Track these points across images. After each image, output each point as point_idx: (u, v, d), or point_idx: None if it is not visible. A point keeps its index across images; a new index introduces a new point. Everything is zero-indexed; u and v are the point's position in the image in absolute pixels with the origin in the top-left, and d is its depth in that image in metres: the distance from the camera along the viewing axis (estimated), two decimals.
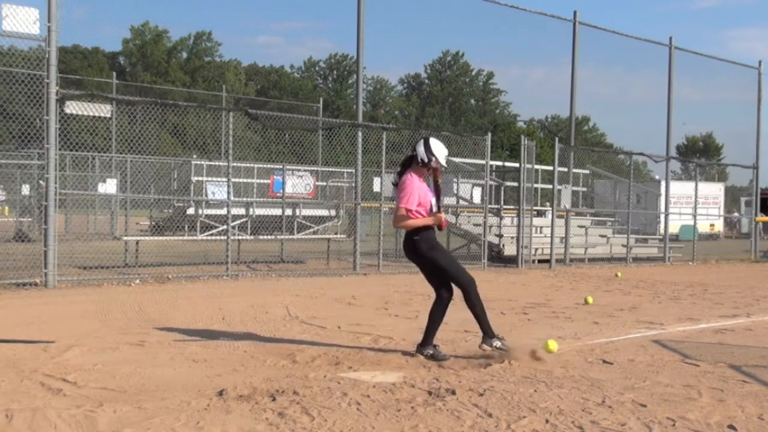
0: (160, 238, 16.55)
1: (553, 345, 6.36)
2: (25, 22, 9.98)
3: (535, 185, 18.54)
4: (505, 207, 17.61)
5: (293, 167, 19.89)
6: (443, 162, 6.15)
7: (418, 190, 6.00)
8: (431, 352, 6.07)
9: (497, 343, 6.08)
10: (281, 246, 15.82)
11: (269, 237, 16.63)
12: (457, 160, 17.77)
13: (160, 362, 5.77)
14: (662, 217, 21.15)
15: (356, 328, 7.20)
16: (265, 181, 20.10)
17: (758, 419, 4.54)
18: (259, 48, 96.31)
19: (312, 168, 20.87)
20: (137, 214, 22.11)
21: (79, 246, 14.12)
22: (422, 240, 6.03)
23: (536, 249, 17.25)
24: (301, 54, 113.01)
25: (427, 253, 6.03)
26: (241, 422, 4.25)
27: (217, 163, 20.86)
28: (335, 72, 79.47)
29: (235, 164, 15.19)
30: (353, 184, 15.00)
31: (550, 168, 18.04)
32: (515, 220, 16.91)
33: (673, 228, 21.50)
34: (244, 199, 18.30)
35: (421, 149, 6.11)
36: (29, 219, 17.36)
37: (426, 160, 6.07)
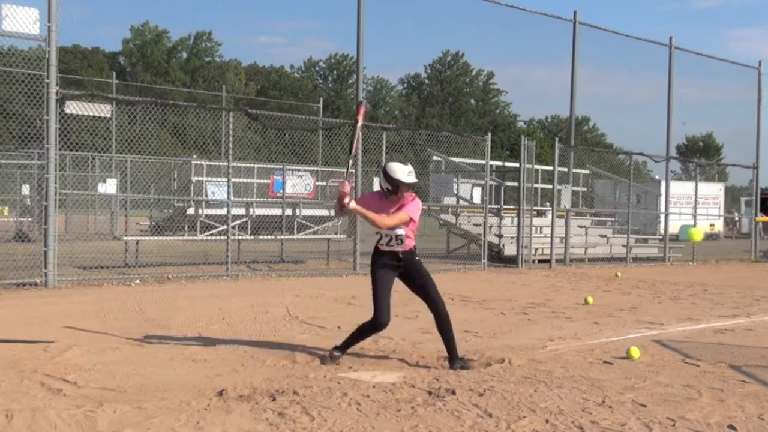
0: (160, 238, 16.56)
1: (635, 352, 6.33)
2: (25, 22, 9.99)
3: (535, 185, 18.54)
4: (505, 207, 17.61)
5: (293, 167, 19.91)
6: (408, 179, 5.61)
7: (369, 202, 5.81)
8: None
9: (335, 355, 5.87)
10: (281, 246, 15.82)
11: (269, 237, 16.63)
12: (457, 160, 17.79)
13: (160, 362, 5.77)
14: (662, 217, 21.16)
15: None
16: (265, 181, 20.10)
17: (758, 419, 4.54)
18: (260, 48, 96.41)
19: (312, 168, 20.88)
20: (137, 214, 22.11)
21: (79, 246, 14.12)
22: (373, 257, 5.91)
23: (536, 249, 17.25)
24: (302, 54, 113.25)
25: (372, 268, 5.91)
26: (241, 422, 4.25)
27: (217, 163, 20.85)
28: (335, 72, 79.43)
29: (235, 164, 15.19)
30: (353, 184, 15.00)
31: (550, 168, 18.04)
32: (515, 220, 16.91)
33: (673, 228, 21.49)
34: (244, 199, 18.30)
35: (381, 180, 5.73)
36: (29, 219, 17.36)
37: (390, 188, 5.64)
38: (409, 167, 5.71)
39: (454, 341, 5.88)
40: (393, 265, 5.83)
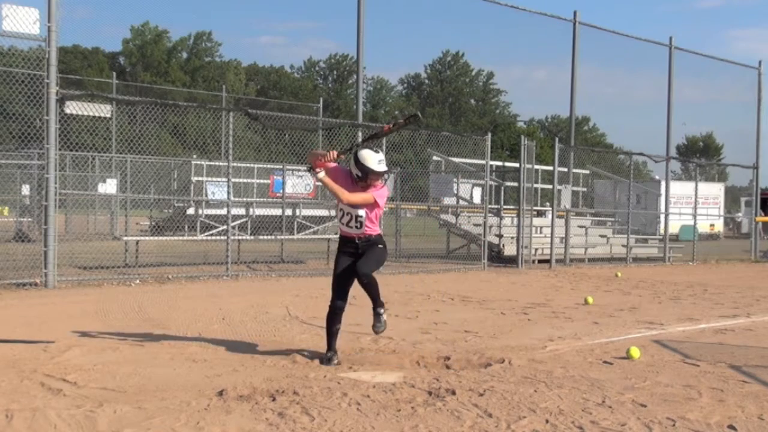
0: (160, 238, 16.55)
1: (635, 352, 6.32)
2: (25, 22, 9.98)
3: (535, 185, 18.54)
4: (505, 207, 17.61)
5: (293, 167, 19.89)
6: (377, 168, 5.59)
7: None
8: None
9: (330, 357, 5.85)
10: (281, 246, 15.82)
11: (269, 237, 16.62)
12: (457, 160, 17.79)
13: (160, 362, 5.77)
14: (662, 217, 21.16)
15: (356, 328, 7.19)
16: (265, 181, 20.09)
17: (758, 419, 4.55)
18: (260, 48, 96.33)
19: None
20: (137, 214, 22.08)
21: (79, 246, 14.11)
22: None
23: (536, 249, 17.24)
24: (302, 54, 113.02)
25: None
26: (241, 422, 4.25)
27: (217, 163, 20.85)
28: (335, 72, 79.45)
29: (235, 164, 15.19)
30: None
31: (550, 168, 18.04)
32: (515, 220, 16.91)
33: (673, 228, 21.48)
34: (244, 199, 18.30)
35: (352, 166, 5.69)
36: (29, 219, 17.35)
37: (361, 174, 5.61)
38: (381, 156, 5.67)
39: (377, 297, 5.98)
40: (350, 252, 5.88)
